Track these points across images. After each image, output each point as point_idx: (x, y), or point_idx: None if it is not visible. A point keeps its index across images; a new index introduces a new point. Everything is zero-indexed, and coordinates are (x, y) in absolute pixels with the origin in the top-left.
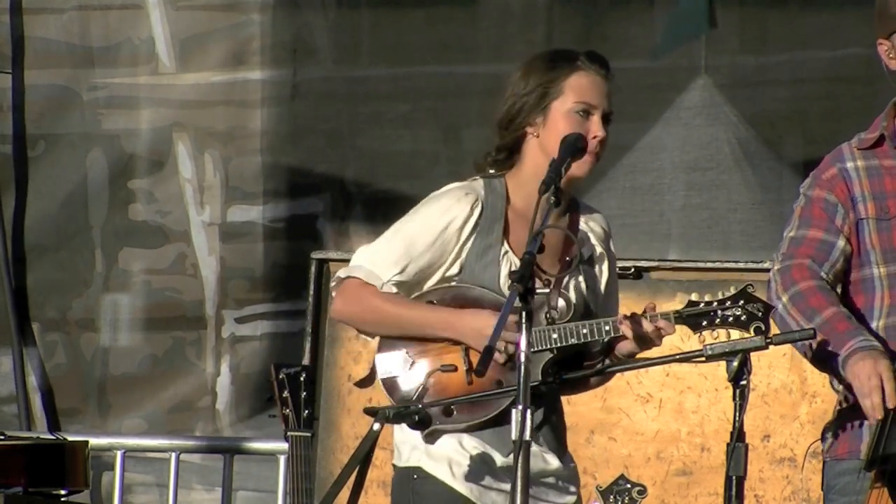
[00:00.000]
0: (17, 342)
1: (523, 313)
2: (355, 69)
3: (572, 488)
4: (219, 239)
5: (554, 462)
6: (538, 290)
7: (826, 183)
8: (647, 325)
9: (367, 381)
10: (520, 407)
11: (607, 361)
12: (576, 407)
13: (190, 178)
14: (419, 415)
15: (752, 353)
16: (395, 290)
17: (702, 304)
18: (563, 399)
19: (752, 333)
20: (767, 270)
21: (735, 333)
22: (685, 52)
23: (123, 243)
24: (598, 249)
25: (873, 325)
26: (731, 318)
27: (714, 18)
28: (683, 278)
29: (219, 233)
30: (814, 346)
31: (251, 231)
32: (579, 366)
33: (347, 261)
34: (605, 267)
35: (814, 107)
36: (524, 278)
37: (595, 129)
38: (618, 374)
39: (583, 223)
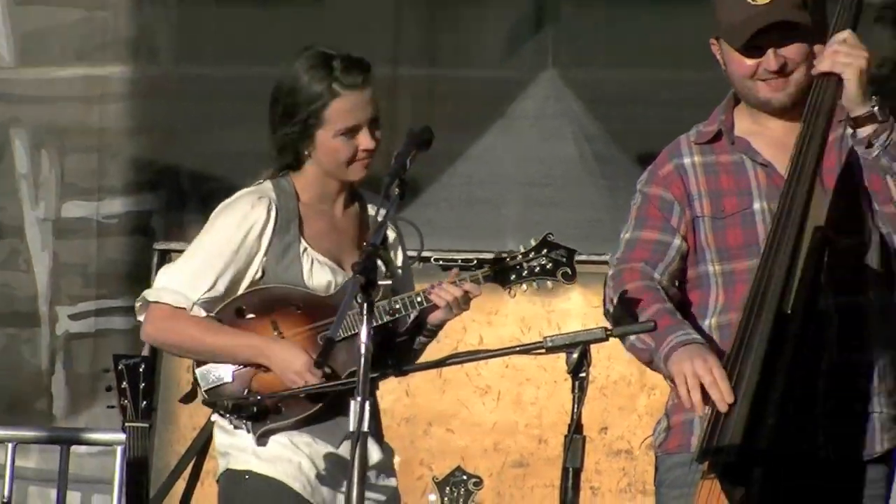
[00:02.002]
0: None
1: (365, 305)
2: (196, 67)
3: (392, 475)
4: (52, 235)
5: (376, 452)
6: (381, 282)
7: (663, 180)
8: (456, 290)
9: (190, 396)
10: (359, 399)
11: (419, 338)
12: (414, 398)
13: (25, 173)
14: (258, 406)
15: (591, 346)
16: (203, 312)
17: (507, 259)
18: (403, 391)
19: (561, 279)
20: (605, 263)
21: (548, 284)
22: (531, 47)
23: None
24: (392, 234)
25: (706, 322)
26: (537, 268)
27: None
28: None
29: (52, 229)
30: (640, 344)
31: (85, 227)
32: (390, 346)
33: None
34: (398, 251)
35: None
36: (367, 269)
37: (364, 142)
38: (456, 366)
39: (371, 210)
